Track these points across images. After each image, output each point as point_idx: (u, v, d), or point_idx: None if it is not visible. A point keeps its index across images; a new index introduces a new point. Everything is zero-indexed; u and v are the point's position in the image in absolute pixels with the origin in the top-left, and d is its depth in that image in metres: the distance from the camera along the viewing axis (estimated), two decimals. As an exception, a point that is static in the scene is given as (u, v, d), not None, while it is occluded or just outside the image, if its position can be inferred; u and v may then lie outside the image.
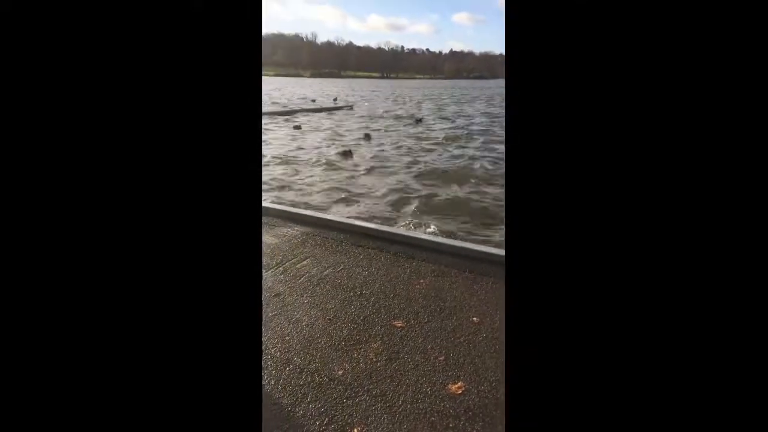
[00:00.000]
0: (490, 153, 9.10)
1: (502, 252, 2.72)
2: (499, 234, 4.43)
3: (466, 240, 3.48)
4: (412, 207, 5.35)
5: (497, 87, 56.00)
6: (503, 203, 5.57)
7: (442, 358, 1.74)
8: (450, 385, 1.59)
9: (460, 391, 1.56)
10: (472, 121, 16.17)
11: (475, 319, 2.02)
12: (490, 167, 7.58)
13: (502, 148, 9.69)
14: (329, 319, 2.02)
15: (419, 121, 15.37)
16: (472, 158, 8.50)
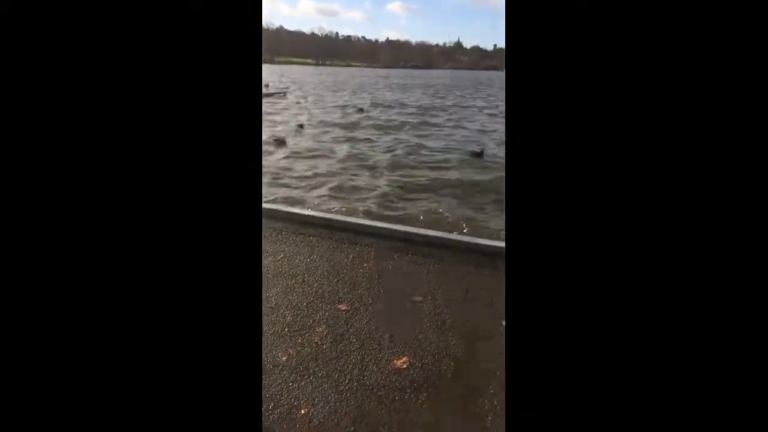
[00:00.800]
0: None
1: (442, 234, 2.82)
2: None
3: (408, 225, 3.56)
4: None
5: (429, 77, 57.29)
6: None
7: (387, 337, 1.78)
8: (395, 361, 1.63)
9: (405, 366, 1.61)
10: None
11: (418, 298, 2.09)
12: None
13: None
14: (271, 307, 1.98)
15: (361, 110, 15.38)
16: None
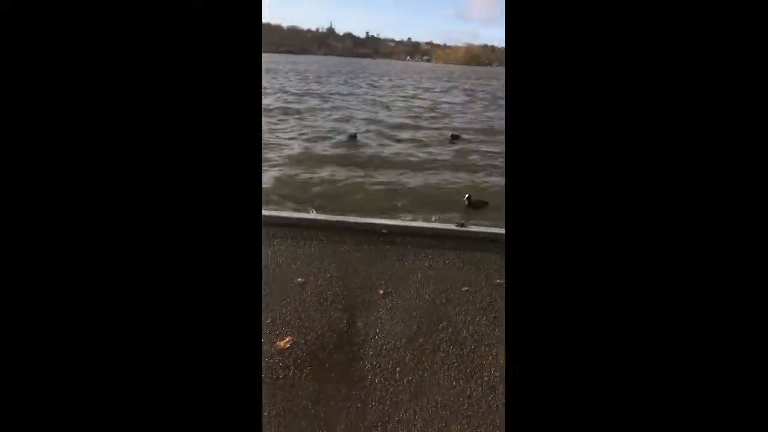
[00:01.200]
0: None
1: (320, 216, 2.87)
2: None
3: (285, 209, 3.52)
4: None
5: (306, 62, 56.37)
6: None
7: (269, 321, 1.77)
8: (278, 342, 1.65)
9: (288, 345, 1.63)
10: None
11: (299, 279, 2.11)
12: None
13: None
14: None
15: None
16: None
